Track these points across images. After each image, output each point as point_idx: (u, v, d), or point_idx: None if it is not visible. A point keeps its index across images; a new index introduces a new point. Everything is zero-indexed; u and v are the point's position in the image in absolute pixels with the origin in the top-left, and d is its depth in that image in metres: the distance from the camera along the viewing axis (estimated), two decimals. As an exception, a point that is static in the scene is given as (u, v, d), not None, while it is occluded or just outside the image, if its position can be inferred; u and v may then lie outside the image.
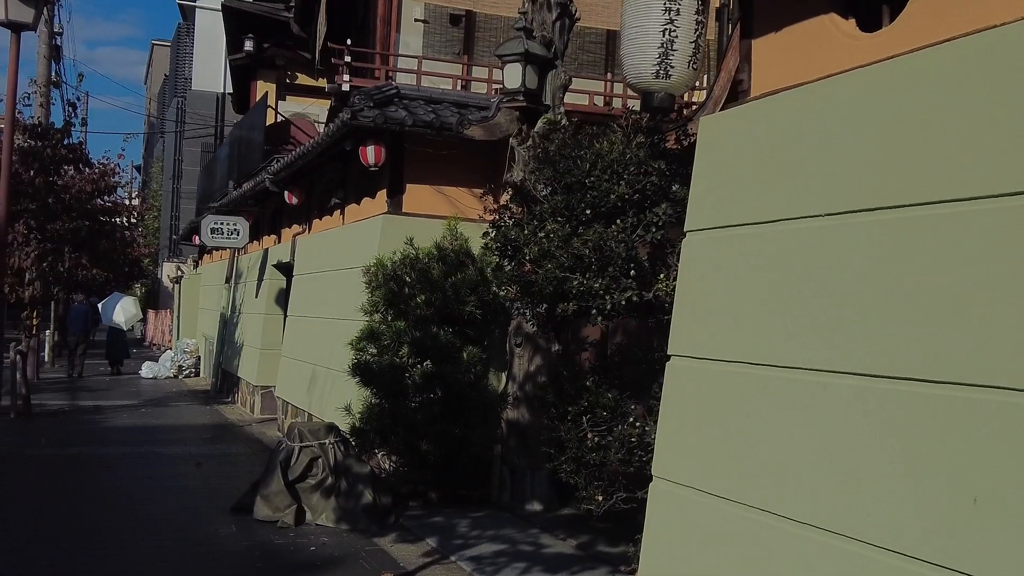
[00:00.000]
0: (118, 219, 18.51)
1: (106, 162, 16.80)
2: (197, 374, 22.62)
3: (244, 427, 13.66)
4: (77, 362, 21.86)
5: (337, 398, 9.73)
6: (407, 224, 9.30)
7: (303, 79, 20.28)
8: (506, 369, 8.76)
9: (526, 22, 8.65)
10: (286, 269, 14.29)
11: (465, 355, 8.09)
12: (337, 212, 11.34)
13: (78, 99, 18.47)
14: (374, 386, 8.26)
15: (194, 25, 46.29)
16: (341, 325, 10.10)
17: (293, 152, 11.55)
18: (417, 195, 9.51)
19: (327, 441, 7.79)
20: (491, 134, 8.94)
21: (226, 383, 18.29)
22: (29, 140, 14.35)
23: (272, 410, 14.68)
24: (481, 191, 9.74)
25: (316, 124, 17.86)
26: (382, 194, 9.65)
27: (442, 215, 9.44)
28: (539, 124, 8.63)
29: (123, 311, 23.33)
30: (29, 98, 15.98)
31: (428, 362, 8.11)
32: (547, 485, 8.55)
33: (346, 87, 12.44)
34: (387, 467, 8.82)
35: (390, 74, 12.89)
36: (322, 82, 19.68)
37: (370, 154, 9.06)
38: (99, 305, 23.78)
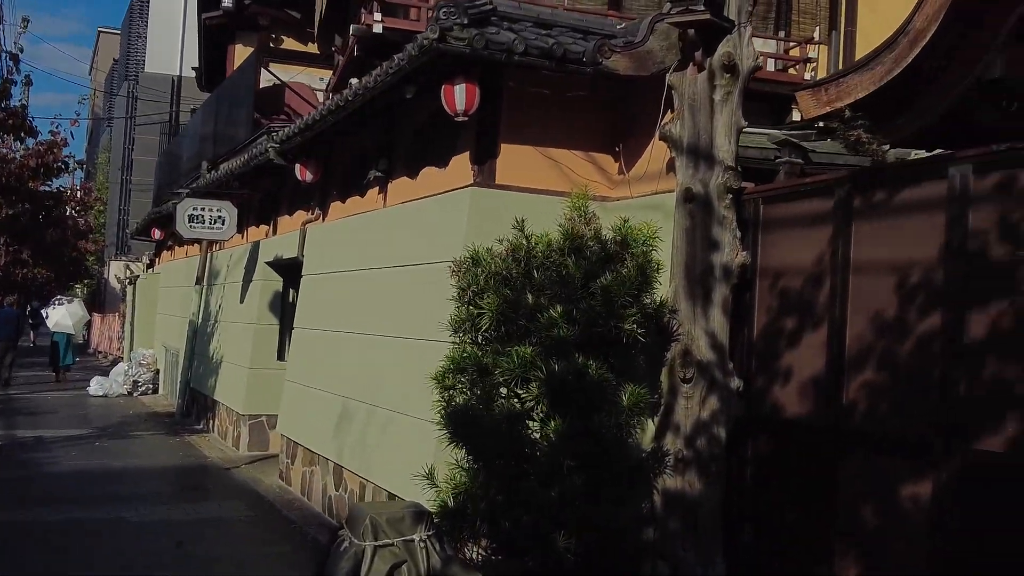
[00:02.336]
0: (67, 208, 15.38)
1: (56, 132, 13.67)
2: (155, 391, 19.65)
3: (231, 471, 10.78)
4: (5, 372, 19.89)
5: (395, 452, 6.96)
6: (505, 201, 6.58)
7: (290, 43, 17.55)
8: (659, 414, 6.05)
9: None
10: (288, 267, 11.41)
11: (625, 397, 5.32)
12: (374, 190, 8.50)
13: (21, 50, 15.14)
14: (475, 444, 5.47)
15: (148, 2, 43.12)
16: (397, 346, 7.31)
17: (321, 107, 8.68)
18: (515, 160, 6.78)
19: (416, 537, 5.03)
20: (641, 66, 6.24)
21: (196, 406, 15.36)
22: (-46, 100, 11.31)
23: (263, 446, 11.85)
24: (605, 155, 7.01)
25: (316, 92, 15.04)
26: (462, 160, 6.88)
27: (551, 189, 6.72)
28: (720, 50, 5.94)
29: (70, 315, 20.54)
30: (-47, 49, 12.85)
31: (560, 410, 5.31)
32: (725, 587, 5.88)
33: (378, 28, 9.65)
34: (474, 556, 6.04)
35: (429, 15, 10.10)
36: (312, 47, 16.97)
37: (458, 96, 6.28)
38: (43, 312, 21.05)
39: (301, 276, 10.45)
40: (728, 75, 5.96)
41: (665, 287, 6.00)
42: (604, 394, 5.29)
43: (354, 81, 8.95)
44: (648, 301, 5.64)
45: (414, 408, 6.67)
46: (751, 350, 6.16)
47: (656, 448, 5.89)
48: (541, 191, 6.71)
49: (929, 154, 6.21)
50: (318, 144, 9.34)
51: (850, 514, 5.31)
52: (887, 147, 6.33)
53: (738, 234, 6.02)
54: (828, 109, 6.30)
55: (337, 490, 8.25)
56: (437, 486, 5.68)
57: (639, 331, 5.49)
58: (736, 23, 6.00)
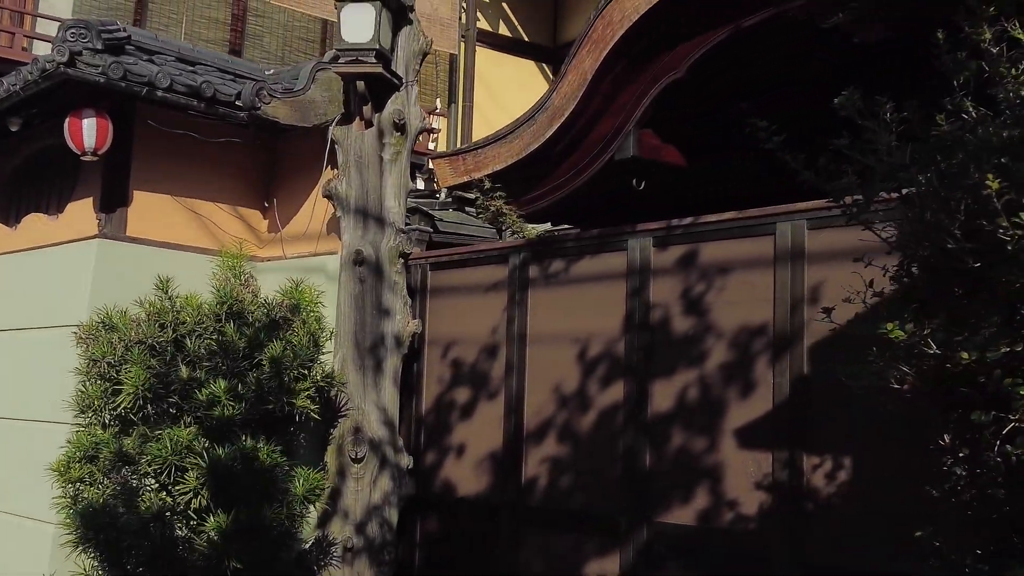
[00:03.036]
0: None
1: None
2: None
3: None
4: None
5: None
6: (140, 257, 5.76)
7: None
8: (323, 499, 5.49)
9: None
10: None
11: (299, 484, 4.76)
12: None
13: None
14: (113, 549, 4.60)
15: None
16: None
17: None
18: (151, 210, 5.96)
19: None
20: (302, 116, 5.77)
21: None
22: None
23: None
24: (252, 211, 6.39)
25: None
26: (82, 206, 5.94)
27: (195, 246, 6.02)
28: (390, 107, 5.65)
29: None
30: None
31: (225, 503, 4.62)
32: None
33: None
34: None
35: (24, 43, 8.89)
36: None
37: (87, 131, 5.38)
38: None
39: None
40: (398, 134, 5.71)
41: (330, 357, 5.51)
42: (276, 481, 4.68)
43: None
44: (316, 373, 5.14)
45: (20, 505, 5.54)
46: (420, 424, 5.84)
47: (321, 537, 5.32)
48: (183, 247, 5.98)
49: (554, 228, 6.34)
50: None
51: (534, 596, 5.13)
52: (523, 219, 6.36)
53: (408, 301, 5.72)
54: (466, 178, 6.20)
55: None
56: (58, 602, 4.71)
57: (313, 407, 4.98)
58: (404, 80, 5.76)
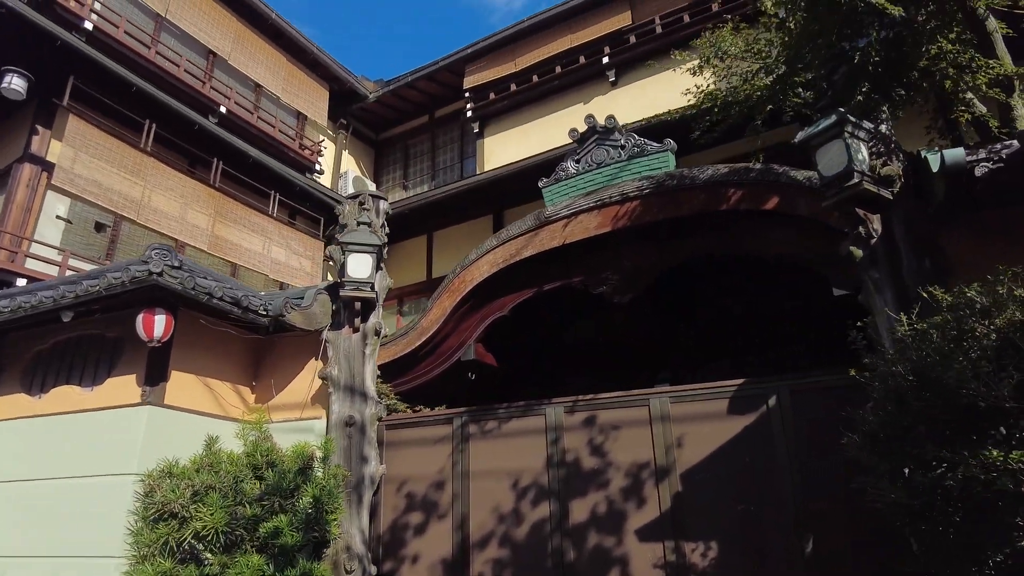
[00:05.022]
0: None
1: None
2: None
3: None
4: None
5: None
6: (174, 419, 4.66)
7: None
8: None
9: (365, 219, 5.38)
10: None
11: (335, 594, 3.90)
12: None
13: None
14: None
15: None
16: (35, 567, 4.41)
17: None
18: (180, 384, 4.89)
19: None
20: (308, 323, 5.14)
21: None
22: None
23: None
24: (244, 387, 5.45)
25: None
26: (127, 380, 4.77)
27: (207, 412, 5.00)
28: (372, 320, 5.23)
29: None
30: None
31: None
32: None
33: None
34: None
35: (23, 259, 7.24)
36: None
37: (158, 326, 4.44)
38: None
39: None
40: (376, 336, 5.24)
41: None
42: (324, 594, 3.79)
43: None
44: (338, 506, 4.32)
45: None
46: (379, 541, 5.04)
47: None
48: (200, 412, 4.95)
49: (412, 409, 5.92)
50: None
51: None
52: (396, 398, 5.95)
53: (378, 451, 5.06)
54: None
55: None
56: None
57: (337, 532, 4.17)
58: (378, 303, 5.37)
